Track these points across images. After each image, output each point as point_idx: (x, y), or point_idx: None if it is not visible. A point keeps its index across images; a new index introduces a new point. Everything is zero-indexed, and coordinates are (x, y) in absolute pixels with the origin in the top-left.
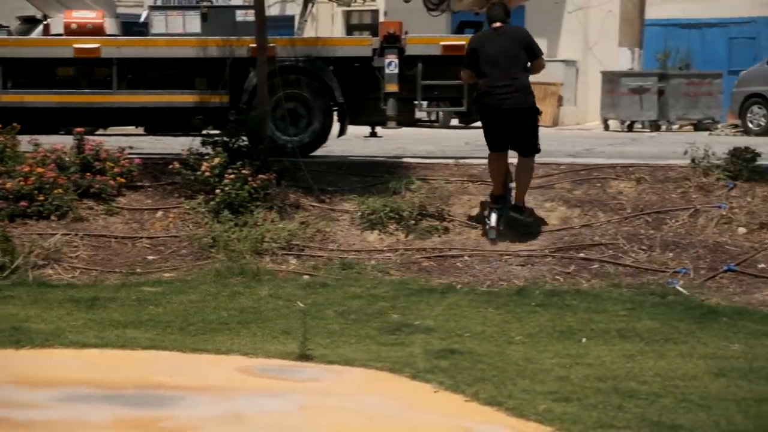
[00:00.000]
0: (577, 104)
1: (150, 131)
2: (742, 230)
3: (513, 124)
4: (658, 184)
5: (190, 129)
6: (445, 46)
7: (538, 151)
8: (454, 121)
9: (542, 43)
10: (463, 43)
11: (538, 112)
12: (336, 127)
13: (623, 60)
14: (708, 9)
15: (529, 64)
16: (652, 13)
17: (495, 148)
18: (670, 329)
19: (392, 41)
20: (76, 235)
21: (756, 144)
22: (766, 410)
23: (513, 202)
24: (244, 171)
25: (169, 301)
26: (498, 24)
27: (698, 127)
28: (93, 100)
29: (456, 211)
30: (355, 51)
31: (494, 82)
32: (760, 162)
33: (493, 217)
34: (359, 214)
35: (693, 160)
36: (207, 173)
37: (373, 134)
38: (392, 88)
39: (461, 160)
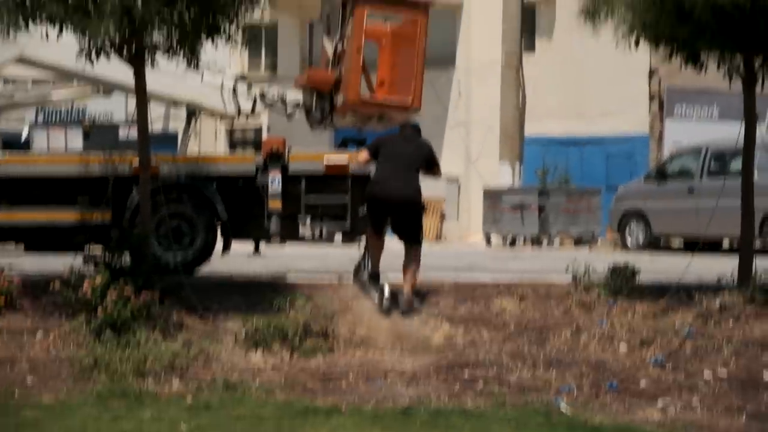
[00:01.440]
0: (460, 219)
1: (31, 249)
2: (623, 347)
3: (401, 215)
4: (541, 301)
5: (72, 247)
6: (328, 166)
7: (421, 242)
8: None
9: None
10: (346, 162)
11: (424, 209)
12: (220, 244)
13: (504, 175)
14: (586, 126)
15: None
16: (531, 129)
17: (378, 231)
18: None
19: (275, 158)
20: None
21: (635, 259)
22: None
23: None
24: (126, 290)
25: (49, 426)
26: (408, 131)
27: (579, 242)
28: None
29: (341, 329)
30: (239, 168)
31: (389, 176)
32: (639, 279)
33: (386, 288)
34: (243, 333)
35: (574, 278)
36: (88, 293)
37: (257, 252)
38: (276, 205)
39: (345, 278)
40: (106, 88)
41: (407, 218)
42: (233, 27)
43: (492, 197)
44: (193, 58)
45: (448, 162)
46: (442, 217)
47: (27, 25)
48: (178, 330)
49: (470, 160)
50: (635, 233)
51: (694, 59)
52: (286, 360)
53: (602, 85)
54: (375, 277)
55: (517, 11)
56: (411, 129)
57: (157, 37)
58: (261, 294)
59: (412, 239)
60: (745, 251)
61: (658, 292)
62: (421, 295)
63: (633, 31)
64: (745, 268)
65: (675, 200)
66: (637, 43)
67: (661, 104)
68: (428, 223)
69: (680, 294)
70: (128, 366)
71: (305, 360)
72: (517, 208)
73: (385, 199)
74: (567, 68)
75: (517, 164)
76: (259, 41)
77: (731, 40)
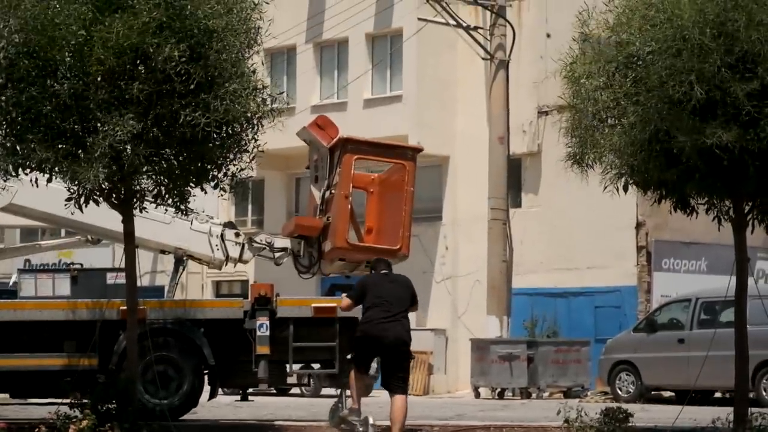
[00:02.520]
0: (447, 373)
1: (15, 396)
2: None
3: (393, 357)
4: None
5: (57, 394)
6: (316, 308)
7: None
8: (325, 390)
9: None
10: (335, 305)
11: (412, 356)
12: (207, 390)
13: (491, 328)
14: (574, 278)
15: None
16: (518, 282)
17: (363, 369)
18: None
19: (263, 303)
20: None
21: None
22: None
23: None
24: None
25: None
26: (385, 271)
27: (568, 394)
28: None
29: None
30: (226, 313)
31: (380, 316)
32: (632, 423)
33: (370, 419)
34: None
35: (566, 421)
36: None
37: (245, 398)
38: (264, 350)
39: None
40: (95, 237)
41: (399, 360)
42: (221, 174)
43: (480, 348)
44: (181, 204)
45: (435, 315)
46: (430, 369)
47: (17, 173)
48: None
49: (457, 313)
50: (626, 384)
51: (683, 204)
52: None
53: (589, 238)
54: (356, 412)
55: (503, 165)
56: (385, 265)
57: (146, 182)
58: None
59: (402, 384)
60: (740, 392)
61: None
62: None
63: (621, 177)
64: (740, 409)
65: (665, 351)
66: (625, 189)
67: (649, 257)
68: (415, 376)
69: None
70: None
71: None
72: (506, 359)
73: (378, 339)
74: (554, 222)
75: (505, 317)
76: (246, 194)
77: (720, 182)
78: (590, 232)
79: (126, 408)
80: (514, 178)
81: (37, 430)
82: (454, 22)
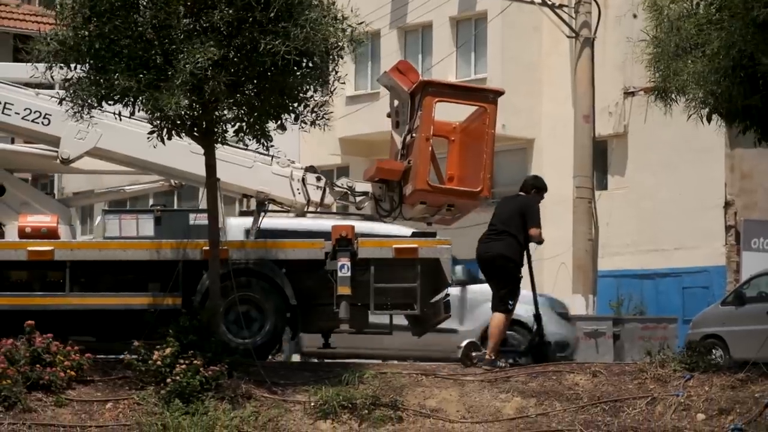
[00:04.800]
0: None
1: (100, 339)
2: (701, 416)
3: (486, 273)
4: (614, 377)
5: (141, 336)
6: (397, 249)
7: (504, 308)
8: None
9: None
10: (416, 246)
11: (511, 266)
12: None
13: (577, 306)
14: (662, 259)
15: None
16: (605, 264)
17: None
18: None
19: (344, 244)
20: (24, 424)
21: None
22: None
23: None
24: (196, 361)
25: None
26: (519, 192)
27: None
28: (46, 303)
29: (410, 401)
30: (308, 254)
31: (483, 236)
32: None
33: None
34: (312, 404)
35: (648, 353)
36: (158, 362)
37: (327, 345)
38: (345, 290)
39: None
40: (179, 182)
41: (492, 276)
42: (302, 107)
43: None
44: (263, 139)
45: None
46: None
47: (100, 105)
48: (247, 400)
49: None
50: (714, 358)
51: (767, 134)
52: (355, 429)
53: (677, 219)
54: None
55: (588, 144)
56: (522, 188)
57: (227, 115)
58: (330, 371)
59: (496, 301)
60: None
61: (737, 367)
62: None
63: (705, 106)
64: None
65: (754, 323)
66: (709, 119)
67: (738, 236)
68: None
69: (760, 367)
70: (196, 431)
71: (374, 429)
72: (592, 335)
73: (477, 257)
74: (640, 203)
75: (591, 296)
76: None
77: None
78: (677, 212)
79: (209, 338)
80: (599, 160)
81: (123, 356)
82: (539, 0)
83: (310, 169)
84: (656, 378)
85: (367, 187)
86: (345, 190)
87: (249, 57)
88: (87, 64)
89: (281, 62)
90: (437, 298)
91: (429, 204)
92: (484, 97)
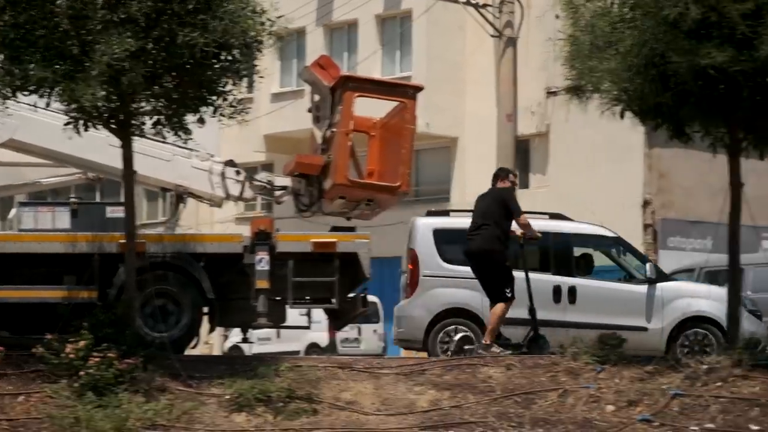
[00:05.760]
0: None
1: (15, 332)
2: (610, 408)
3: (476, 268)
4: (528, 369)
5: (56, 329)
6: (315, 243)
7: (504, 298)
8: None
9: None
10: (334, 240)
11: (496, 256)
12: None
13: None
14: None
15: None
16: None
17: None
18: None
19: (263, 238)
20: None
21: None
22: None
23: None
24: (110, 354)
25: None
26: (493, 183)
27: None
28: None
29: (325, 394)
30: (226, 247)
31: (469, 229)
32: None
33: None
34: (227, 396)
35: (561, 346)
36: (72, 355)
37: (245, 340)
38: (263, 284)
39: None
40: (96, 175)
41: (482, 269)
42: (220, 100)
43: None
44: (180, 132)
45: None
46: None
47: (15, 94)
48: (161, 393)
49: None
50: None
51: (678, 132)
52: (270, 421)
53: (597, 217)
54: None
55: (511, 143)
56: (493, 181)
57: (145, 107)
58: (245, 364)
59: (489, 293)
60: (732, 318)
61: (646, 360)
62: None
63: (619, 103)
64: (732, 333)
65: None
66: (622, 115)
67: (655, 235)
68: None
69: (668, 360)
70: (109, 424)
71: (289, 422)
72: None
73: (466, 251)
74: (561, 202)
75: None
76: None
77: (715, 106)
78: (597, 211)
79: (124, 331)
80: (522, 159)
81: (34, 349)
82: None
83: (230, 163)
84: (568, 371)
85: (286, 181)
86: (264, 184)
87: (167, 49)
88: (1, 55)
89: (199, 55)
90: (355, 292)
91: (348, 199)
92: (404, 92)
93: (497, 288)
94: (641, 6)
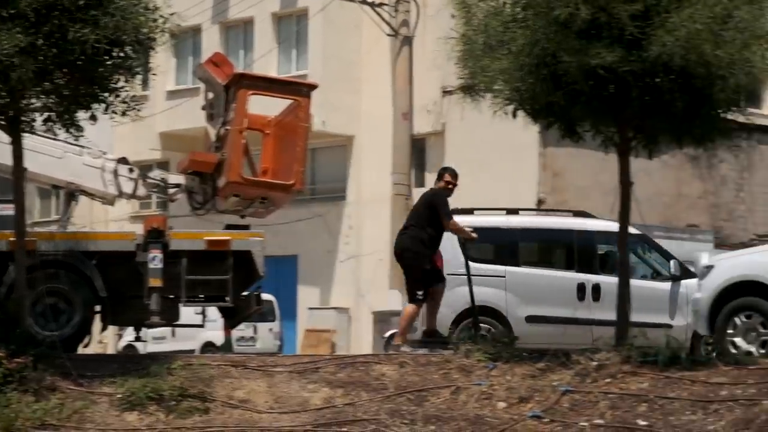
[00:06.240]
0: (350, 350)
1: None
2: (502, 404)
3: (401, 266)
4: (421, 367)
5: None
6: (209, 241)
7: (415, 300)
8: None
9: (314, 292)
10: (228, 238)
11: (413, 257)
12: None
13: (394, 301)
14: None
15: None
16: None
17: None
18: None
19: (156, 236)
20: None
21: None
22: None
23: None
24: None
25: None
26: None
27: None
28: None
29: (218, 392)
30: (119, 246)
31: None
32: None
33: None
34: (119, 395)
35: (454, 344)
36: None
37: (138, 338)
38: (156, 282)
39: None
40: None
41: (403, 268)
42: (112, 97)
43: (382, 321)
44: (72, 129)
45: (338, 294)
46: (333, 347)
47: None
48: (51, 393)
49: (360, 292)
50: None
51: (570, 131)
52: (162, 420)
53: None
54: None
55: (406, 141)
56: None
57: (35, 103)
58: (138, 363)
59: (408, 293)
60: (621, 314)
61: (538, 357)
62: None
63: (511, 103)
64: (621, 330)
65: None
66: (514, 115)
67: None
68: (318, 353)
69: (559, 356)
70: None
71: (181, 420)
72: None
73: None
74: (457, 200)
75: None
76: None
77: (605, 105)
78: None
79: (13, 330)
80: (418, 157)
81: None
82: None
83: (123, 160)
84: (461, 368)
85: (180, 179)
86: (158, 182)
87: (57, 45)
88: None
89: (91, 51)
90: (249, 290)
91: (242, 196)
92: (298, 90)
93: (409, 289)
94: (533, 6)
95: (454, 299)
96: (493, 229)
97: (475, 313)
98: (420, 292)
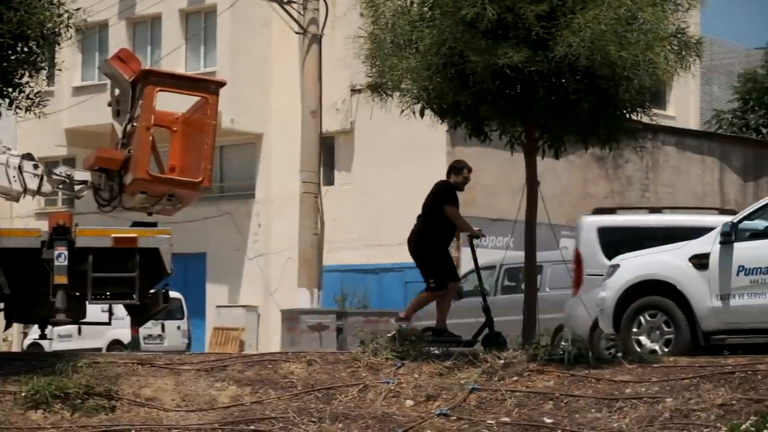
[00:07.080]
0: (259, 349)
1: None
2: (409, 402)
3: (414, 259)
4: (329, 365)
5: None
6: (116, 238)
7: (433, 287)
8: None
9: (223, 290)
10: (135, 235)
11: (430, 251)
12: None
13: (302, 300)
14: (385, 255)
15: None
16: (330, 259)
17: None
18: None
19: (61, 233)
20: None
21: None
22: None
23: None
24: None
25: None
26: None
27: None
28: None
29: (125, 390)
30: (23, 242)
31: None
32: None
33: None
34: (23, 393)
35: (362, 342)
36: None
37: (44, 336)
38: (61, 280)
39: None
40: None
41: (416, 261)
42: (16, 92)
43: (291, 319)
44: None
45: (247, 292)
46: (241, 346)
47: None
48: None
49: (269, 290)
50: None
51: (477, 130)
52: (67, 418)
53: (400, 215)
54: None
55: (315, 139)
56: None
57: None
58: (43, 360)
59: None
60: (528, 314)
61: (446, 356)
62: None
63: (418, 102)
64: (528, 329)
65: (474, 316)
66: (422, 114)
67: (458, 233)
68: (227, 351)
69: (466, 355)
70: None
71: (87, 419)
72: (316, 329)
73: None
74: (365, 200)
75: (315, 290)
76: None
77: (512, 105)
78: (400, 209)
79: None
80: (327, 155)
81: None
82: None
83: (27, 156)
84: (369, 366)
85: (86, 176)
86: (63, 178)
87: None
88: None
89: None
90: (157, 288)
91: (149, 194)
92: (206, 87)
93: (425, 277)
94: (440, 5)
95: (592, 300)
96: (635, 229)
97: (488, 314)
98: (432, 281)
